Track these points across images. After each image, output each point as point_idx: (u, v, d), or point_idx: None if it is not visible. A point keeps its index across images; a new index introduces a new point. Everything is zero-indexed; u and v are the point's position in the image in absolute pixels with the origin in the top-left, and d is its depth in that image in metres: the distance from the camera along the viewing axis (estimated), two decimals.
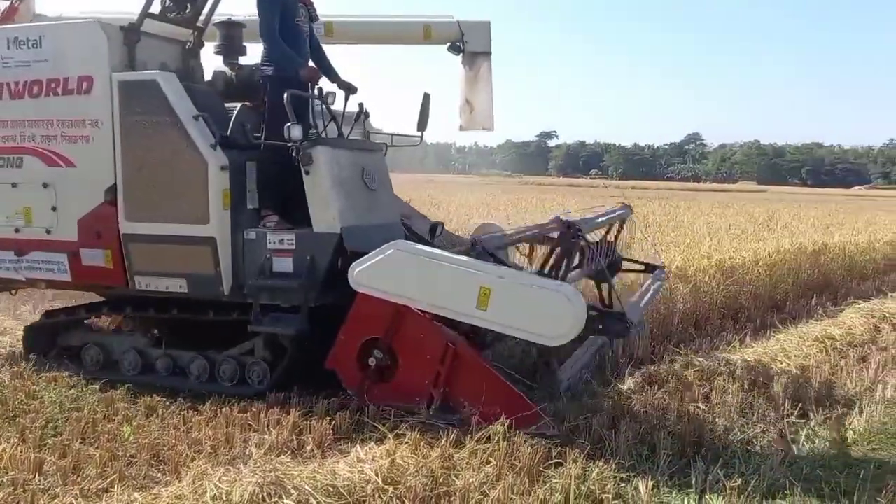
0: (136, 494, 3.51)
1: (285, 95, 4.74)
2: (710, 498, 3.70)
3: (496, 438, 4.03)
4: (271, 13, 5.29)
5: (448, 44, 7.47)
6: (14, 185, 5.35)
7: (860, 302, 8.70)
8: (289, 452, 4.13)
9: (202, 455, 4.07)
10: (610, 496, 3.66)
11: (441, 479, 3.72)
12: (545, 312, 4.25)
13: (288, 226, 5.07)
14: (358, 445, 4.15)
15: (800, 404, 5.01)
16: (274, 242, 4.96)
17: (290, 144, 4.82)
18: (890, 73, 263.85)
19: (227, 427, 4.40)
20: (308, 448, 4.18)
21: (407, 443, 4.07)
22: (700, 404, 4.90)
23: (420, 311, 4.54)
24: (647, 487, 3.68)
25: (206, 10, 6.04)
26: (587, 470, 3.80)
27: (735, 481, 3.77)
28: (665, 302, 7.22)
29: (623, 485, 3.79)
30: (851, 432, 4.74)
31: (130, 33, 5.26)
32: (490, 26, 7.50)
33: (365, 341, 4.70)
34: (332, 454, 4.12)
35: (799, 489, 3.81)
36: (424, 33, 7.39)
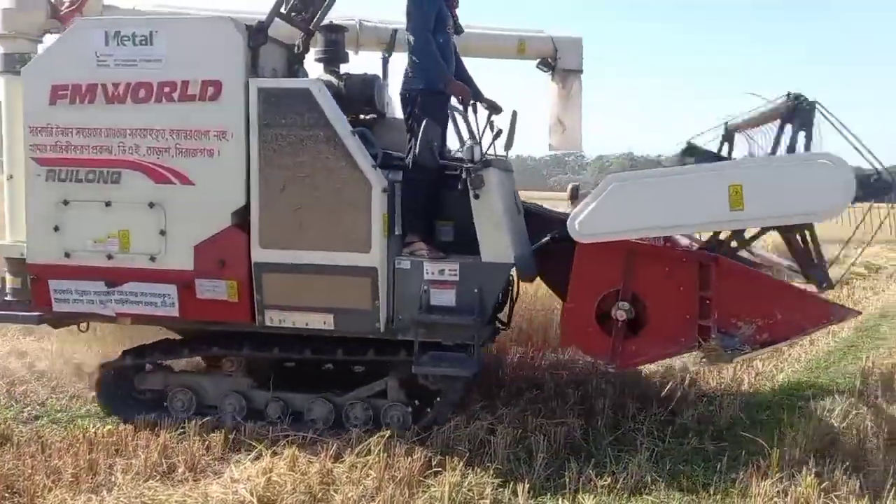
0: None
1: (451, 112, 4.62)
2: (583, 497, 3.83)
3: (376, 450, 4.01)
4: (427, 17, 4.62)
5: (539, 59, 6.87)
6: (108, 204, 4.48)
7: None
8: (158, 477, 3.97)
9: (61, 484, 3.83)
10: (488, 501, 3.72)
11: (320, 496, 3.69)
12: (811, 187, 4.00)
13: (439, 254, 4.54)
14: (232, 465, 4.03)
15: (671, 405, 5.25)
16: (432, 273, 4.40)
17: (467, 166, 4.39)
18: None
19: (89, 453, 4.15)
20: (179, 471, 4.02)
21: (284, 459, 3.98)
22: (575, 407, 5.06)
23: (654, 243, 4.32)
24: (523, 490, 3.78)
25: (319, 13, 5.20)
26: (465, 476, 3.84)
27: (605, 480, 3.96)
28: (543, 307, 7.22)
29: (500, 489, 3.87)
30: (712, 427, 5.04)
31: (258, 34, 4.46)
32: (582, 43, 6.87)
33: (601, 299, 4.40)
34: (205, 476, 3.99)
35: (663, 484, 4.03)
36: (518, 48, 6.69)
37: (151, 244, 4.47)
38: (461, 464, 3.99)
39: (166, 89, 4.37)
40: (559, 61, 6.79)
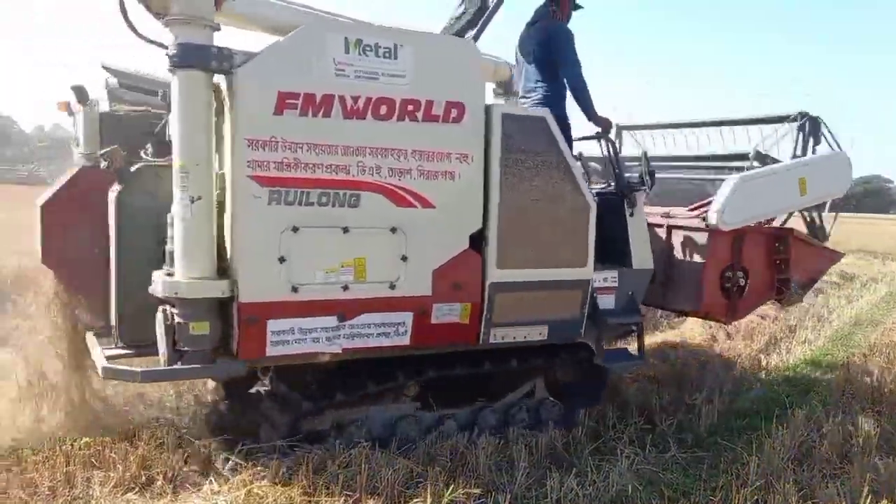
0: None
1: (643, 151, 5.31)
2: None
3: (358, 461, 4.01)
4: (575, 51, 5.08)
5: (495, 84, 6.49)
6: (345, 230, 4.03)
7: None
8: (136, 489, 3.91)
9: (38, 498, 3.78)
10: None
11: None
12: (836, 175, 5.92)
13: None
14: (213, 477, 3.99)
15: (646, 411, 5.36)
16: (599, 280, 4.89)
17: (643, 189, 5.10)
18: None
19: (67, 465, 4.08)
20: (158, 484, 3.96)
21: (265, 471, 3.95)
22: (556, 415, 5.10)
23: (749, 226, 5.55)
24: (505, 501, 3.81)
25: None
26: (448, 487, 3.83)
27: (587, 489, 3.98)
28: None
29: (482, 499, 3.87)
30: (691, 434, 5.09)
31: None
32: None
33: (720, 273, 5.53)
34: (184, 489, 3.93)
35: (644, 493, 4.06)
36: (493, 72, 6.23)
37: (390, 271, 4.15)
38: (444, 475, 4.00)
39: (409, 107, 4.08)
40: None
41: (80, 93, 4.87)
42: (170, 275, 3.90)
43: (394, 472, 3.93)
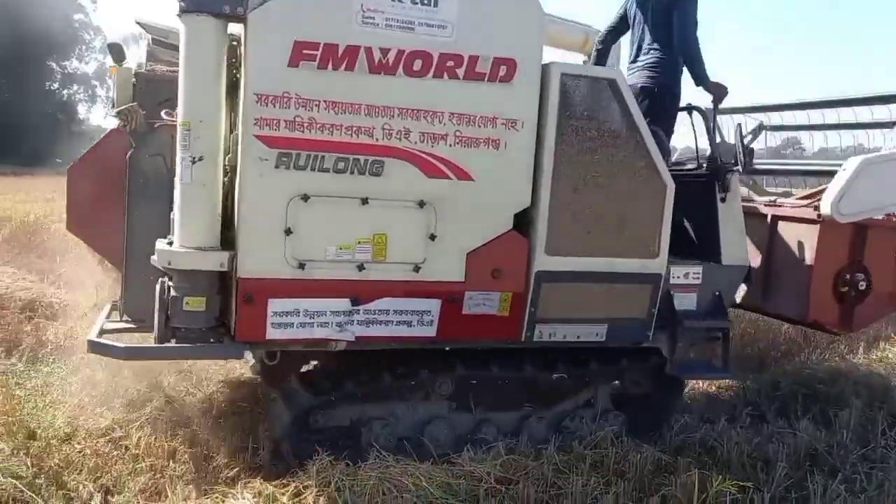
0: None
1: (740, 124, 4.57)
2: None
3: (604, 444, 4.01)
4: (696, 12, 4.58)
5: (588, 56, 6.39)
6: (364, 202, 3.53)
7: None
8: None
9: None
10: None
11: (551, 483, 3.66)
12: None
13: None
14: None
15: None
16: (678, 277, 4.26)
17: (736, 169, 4.38)
18: None
19: None
20: None
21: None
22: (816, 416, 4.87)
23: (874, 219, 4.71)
24: (763, 500, 3.55)
25: None
26: (701, 482, 3.57)
27: (858, 498, 3.68)
28: None
29: (740, 495, 3.57)
30: None
31: None
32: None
33: (835, 274, 4.74)
34: None
35: None
36: (584, 41, 6.19)
37: (416, 251, 3.64)
38: (694, 467, 3.77)
39: (449, 63, 3.52)
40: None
41: (117, 52, 4.54)
42: (171, 243, 3.54)
43: (642, 458, 3.86)
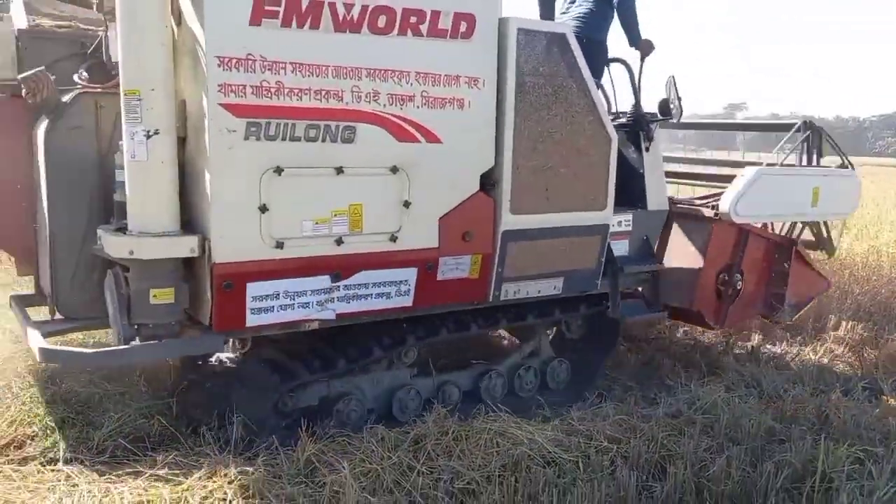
0: None
1: (673, 76, 4.46)
2: None
3: (714, 410, 4.02)
4: None
5: None
6: (339, 171, 3.33)
7: None
8: None
9: None
10: (844, 476, 3.38)
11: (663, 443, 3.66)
12: (847, 193, 5.42)
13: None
14: None
15: None
16: (614, 225, 4.34)
17: (669, 119, 4.51)
18: None
19: None
20: None
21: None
22: None
23: (754, 226, 5.08)
24: (880, 473, 3.41)
25: None
26: (816, 448, 3.56)
27: None
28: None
29: (856, 466, 3.49)
30: None
31: None
32: None
33: (718, 272, 5.07)
34: None
35: None
36: None
37: (391, 220, 3.53)
38: (810, 434, 3.81)
39: (413, 19, 3.39)
40: None
41: None
42: (121, 230, 3.14)
43: (755, 424, 3.86)
